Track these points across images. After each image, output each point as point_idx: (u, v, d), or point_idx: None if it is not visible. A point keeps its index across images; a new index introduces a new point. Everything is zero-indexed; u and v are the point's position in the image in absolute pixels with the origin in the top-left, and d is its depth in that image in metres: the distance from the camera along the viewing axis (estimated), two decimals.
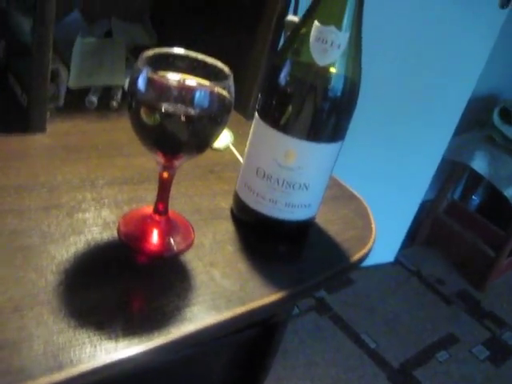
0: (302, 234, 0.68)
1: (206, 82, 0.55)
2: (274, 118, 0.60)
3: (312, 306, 2.02)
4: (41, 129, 0.74)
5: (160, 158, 0.55)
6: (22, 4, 0.76)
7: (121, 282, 0.55)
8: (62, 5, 0.99)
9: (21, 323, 0.48)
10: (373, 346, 1.93)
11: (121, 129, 0.80)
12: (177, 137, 0.53)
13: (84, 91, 0.86)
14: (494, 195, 2.38)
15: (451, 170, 2.35)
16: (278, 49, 0.63)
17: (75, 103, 0.83)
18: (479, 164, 2.20)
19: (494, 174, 2.18)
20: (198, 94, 0.51)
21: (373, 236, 0.72)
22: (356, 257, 0.67)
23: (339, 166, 0.68)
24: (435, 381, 1.87)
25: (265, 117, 0.61)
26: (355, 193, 0.80)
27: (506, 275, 2.43)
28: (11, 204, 0.61)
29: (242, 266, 0.61)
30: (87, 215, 0.62)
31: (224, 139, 0.83)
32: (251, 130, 0.64)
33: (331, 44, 0.56)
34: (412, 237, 2.41)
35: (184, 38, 1.01)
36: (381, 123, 1.76)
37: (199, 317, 0.53)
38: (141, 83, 0.51)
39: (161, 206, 0.60)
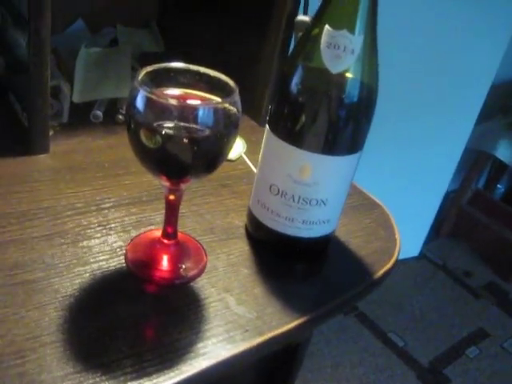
0: (322, 250, 0.64)
1: (209, 97, 0.51)
2: (286, 130, 0.56)
3: None
4: (43, 149, 0.71)
5: (165, 182, 0.51)
6: (17, 20, 0.72)
7: (130, 316, 0.51)
8: (65, 15, 0.97)
9: (22, 369, 0.44)
10: (401, 344, 1.88)
11: (128, 144, 0.75)
12: (181, 159, 0.49)
13: (89, 105, 0.82)
14: None
15: (475, 160, 2.28)
16: (288, 55, 0.59)
17: (80, 118, 0.80)
18: (503, 152, 2.14)
19: None
20: (201, 113, 0.47)
21: (397, 248, 0.68)
22: (380, 272, 0.63)
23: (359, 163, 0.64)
24: (466, 378, 1.82)
25: (276, 129, 0.57)
26: (377, 200, 0.76)
27: None
28: (13, 234, 0.58)
29: (258, 290, 0.57)
30: (93, 242, 0.58)
31: (236, 149, 0.79)
32: (262, 143, 0.60)
33: (344, 49, 0.51)
34: (436, 229, 2.36)
35: (192, 43, 0.98)
36: (401, 115, 1.71)
37: (214, 352, 0.49)
38: (139, 103, 0.47)
39: (169, 230, 0.57)
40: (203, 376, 0.47)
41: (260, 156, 0.60)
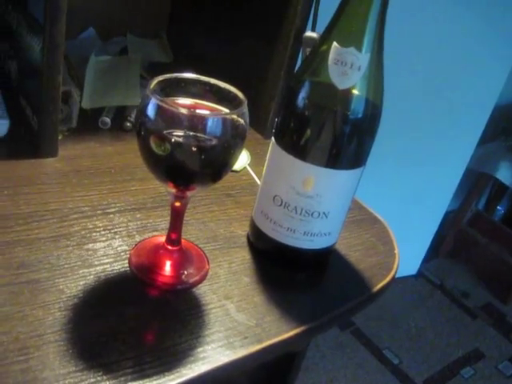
0: (322, 262, 0.65)
1: (218, 108, 0.52)
2: (292, 143, 0.57)
3: None
4: (52, 153, 0.72)
5: (171, 189, 0.53)
6: (32, 25, 0.74)
7: (131, 319, 0.52)
8: (77, 22, 0.98)
9: (25, 365, 0.45)
10: (396, 361, 1.89)
11: (135, 151, 0.76)
12: (189, 167, 0.50)
13: (97, 111, 0.84)
14: None
15: (475, 180, 2.29)
16: (296, 70, 0.60)
17: (88, 124, 0.81)
18: (504, 174, 2.15)
19: None
20: (210, 123, 0.48)
21: (396, 263, 0.69)
22: (379, 286, 0.64)
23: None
24: None
25: (281, 142, 0.58)
26: (377, 215, 0.77)
27: None
28: (20, 234, 0.59)
29: (258, 298, 0.58)
30: (98, 245, 0.60)
31: (241, 160, 0.80)
32: (267, 155, 0.61)
33: (351, 66, 0.53)
34: (435, 249, 2.36)
35: (200, 55, 1.00)
36: (404, 134, 1.73)
37: (213, 357, 0.50)
38: (150, 111, 0.48)
39: (173, 236, 0.58)
40: (202, 380, 0.48)
41: (265, 167, 0.62)
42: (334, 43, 0.53)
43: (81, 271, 0.56)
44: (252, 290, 0.59)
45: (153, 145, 0.48)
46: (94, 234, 0.61)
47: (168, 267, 0.58)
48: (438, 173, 1.94)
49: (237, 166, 0.79)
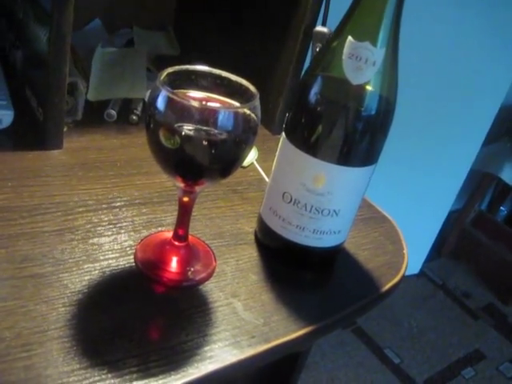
0: (330, 261, 0.64)
1: (230, 102, 0.51)
2: (303, 139, 0.56)
3: None
4: (57, 145, 0.71)
5: (180, 183, 0.51)
6: (38, 14, 0.73)
7: (137, 316, 0.51)
8: (83, 13, 0.97)
9: (29, 362, 0.44)
10: (397, 361, 1.88)
11: (140, 144, 0.76)
12: (198, 161, 0.49)
13: (103, 104, 0.82)
14: None
15: (479, 181, 2.28)
16: (308, 65, 0.59)
17: (94, 116, 0.80)
18: (508, 174, 2.14)
19: None
20: (221, 116, 0.47)
21: (405, 263, 0.68)
22: (387, 286, 0.63)
23: None
24: None
25: (292, 138, 0.57)
26: (386, 214, 0.76)
27: None
28: (24, 227, 0.58)
29: (265, 297, 0.57)
30: (103, 240, 0.58)
31: (248, 156, 0.79)
32: (277, 151, 0.60)
33: (366, 61, 0.51)
34: (438, 248, 2.35)
35: (208, 48, 0.98)
36: (408, 133, 1.71)
37: (220, 356, 0.49)
38: (160, 103, 0.47)
39: (181, 232, 0.57)
40: (209, 380, 0.47)
41: (274, 163, 0.60)
42: (349, 37, 0.52)
43: (86, 266, 0.55)
44: (259, 288, 0.57)
45: (162, 138, 0.47)
46: (100, 228, 0.60)
47: (174, 263, 0.57)
48: (442, 173, 1.93)
49: (244, 162, 0.78)
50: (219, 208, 0.68)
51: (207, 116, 0.47)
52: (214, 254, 0.60)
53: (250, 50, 0.91)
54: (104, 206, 0.63)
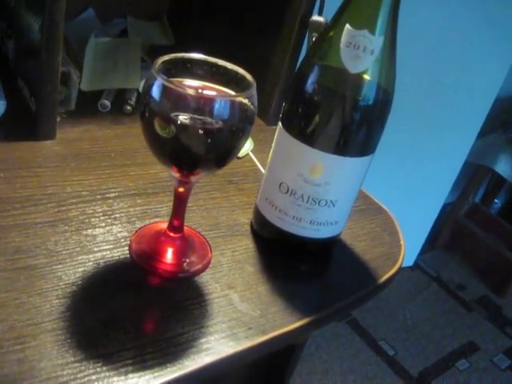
0: (327, 252, 0.64)
1: (226, 91, 0.50)
2: (300, 129, 0.55)
3: None
4: (50, 135, 0.70)
5: (175, 173, 0.51)
6: (31, 2, 0.71)
7: (132, 308, 0.50)
8: (76, 2, 0.96)
9: (22, 355, 0.44)
10: (391, 353, 1.88)
11: (135, 135, 0.75)
12: (194, 151, 0.48)
13: (97, 94, 0.81)
14: None
15: (474, 173, 2.28)
16: (305, 54, 0.58)
17: (87, 107, 0.79)
18: (503, 167, 2.14)
19: None
20: (217, 105, 0.46)
21: (402, 254, 0.67)
22: (385, 277, 0.63)
23: None
24: None
25: (289, 127, 0.56)
26: (382, 205, 0.75)
27: None
28: (16, 218, 0.57)
29: (262, 288, 0.56)
30: (97, 231, 0.58)
31: (243, 146, 0.78)
32: (274, 141, 0.59)
33: (364, 50, 0.51)
34: (432, 241, 2.35)
35: (202, 37, 0.97)
36: (403, 125, 1.70)
37: (216, 348, 0.48)
38: (155, 92, 0.46)
39: (176, 223, 0.56)
40: (205, 372, 0.47)
41: (271, 153, 0.60)
42: (347, 25, 0.51)
43: (79, 257, 0.54)
44: (256, 280, 0.57)
45: (157, 127, 0.46)
46: (93, 219, 0.59)
47: (170, 255, 0.56)
48: (436, 165, 1.93)
49: (239, 153, 0.77)
50: (215, 199, 0.68)
51: (203, 105, 0.46)
52: (209, 245, 0.59)
53: (244, 39, 0.90)
54: (98, 196, 0.63)
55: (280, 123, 0.57)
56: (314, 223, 0.58)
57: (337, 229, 0.61)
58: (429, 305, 2.14)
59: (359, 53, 0.51)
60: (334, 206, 0.57)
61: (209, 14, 0.98)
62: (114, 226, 0.59)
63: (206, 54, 0.52)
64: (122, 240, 0.57)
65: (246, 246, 0.61)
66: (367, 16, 0.51)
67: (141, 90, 0.84)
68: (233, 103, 0.47)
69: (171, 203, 0.56)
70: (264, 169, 0.73)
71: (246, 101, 0.48)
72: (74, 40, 0.86)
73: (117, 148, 0.72)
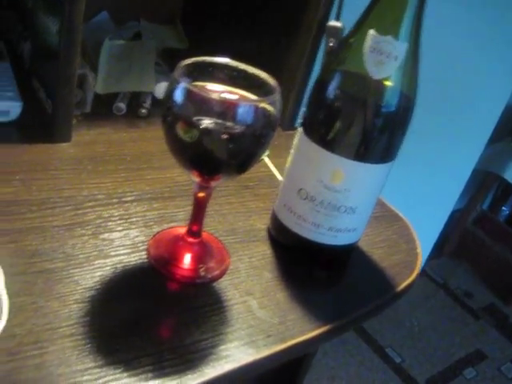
0: (345, 259, 0.63)
1: (249, 96, 0.50)
2: (321, 134, 0.55)
3: None
4: (66, 138, 0.69)
5: (196, 177, 0.50)
6: (48, 4, 0.71)
7: (150, 313, 0.50)
8: (90, 5, 0.95)
9: (40, 360, 0.43)
10: (398, 360, 1.87)
11: (150, 138, 0.75)
12: (216, 156, 0.48)
13: (112, 97, 0.81)
14: None
15: (482, 180, 2.27)
16: (326, 60, 0.58)
17: (102, 110, 0.79)
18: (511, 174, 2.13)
19: None
20: (241, 110, 0.46)
21: (419, 262, 0.67)
22: (402, 285, 0.62)
23: None
24: None
25: (310, 133, 0.55)
26: (399, 212, 0.75)
27: None
28: (33, 221, 0.56)
29: (280, 295, 0.55)
30: (114, 235, 0.57)
31: None
32: (293, 146, 0.58)
33: (388, 56, 0.50)
34: (439, 248, 2.34)
35: (216, 41, 0.97)
36: (412, 132, 1.70)
37: (236, 355, 0.48)
38: (178, 95, 0.46)
39: (195, 228, 0.55)
40: (225, 379, 0.46)
41: (290, 159, 0.59)
42: (371, 31, 0.50)
43: (97, 262, 0.53)
44: (274, 287, 0.56)
45: (180, 131, 0.46)
46: (110, 223, 0.59)
47: (188, 260, 0.56)
48: (445, 172, 1.91)
49: None
50: (231, 204, 0.67)
51: (226, 109, 0.46)
52: (227, 250, 0.59)
53: (260, 44, 0.89)
54: (114, 200, 0.62)
55: (301, 129, 0.57)
56: (332, 230, 0.58)
57: (355, 236, 0.60)
58: (436, 312, 2.13)
59: (383, 59, 0.50)
60: (353, 212, 0.57)
61: (223, 18, 0.98)
62: (131, 230, 0.58)
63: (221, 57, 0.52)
64: (140, 244, 0.57)
65: (264, 252, 0.61)
66: (392, 22, 0.51)
67: (155, 93, 0.83)
68: (256, 108, 0.46)
69: (188, 208, 0.55)
70: (279, 174, 0.72)
71: (269, 106, 0.47)
72: (88, 42, 0.85)
73: (132, 151, 0.72)
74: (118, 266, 0.54)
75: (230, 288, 0.54)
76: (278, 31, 0.87)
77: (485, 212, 2.52)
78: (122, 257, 0.55)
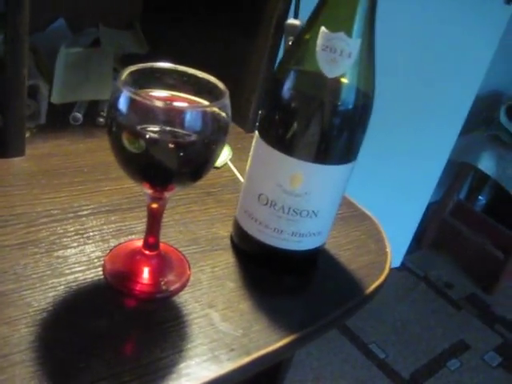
0: (311, 264, 0.61)
1: (197, 101, 0.48)
2: (277, 137, 0.53)
3: None
4: (19, 152, 0.67)
5: (147, 189, 0.48)
6: None
7: (107, 334, 0.47)
8: (45, 12, 0.93)
9: None
10: (382, 356, 1.86)
11: (109, 148, 0.72)
12: (166, 166, 0.46)
13: (68, 106, 0.78)
14: (500, 195, 2.31)
15: (457, 171, 2.27)
16: (280, 59, 0.56)
17: (58, 120, 0.76)
18: (486, 164, 2.13)
19: (502, 173, 2.11)
20: (188, 116, 0.44)
21: (388, 261, 0.65)
22: (372, 287, 0.61)
23: None
24: None
25: (266, 136, 0.54)
26: (366, 211, 0.73)
27: None
28: None
29: (244, 305, 0.53)
30: (69, 252, 0.55)
31: (221, 156, 0.76)
32: (251, 151, 0.57)
33: (341, 53, 0.48)
34: (418, 240, 2.34)
35: (177, 45, 0.95)
36: (384, 125, 1.69)
37: (197, 373, 0.46)
38: (122, 105, 0.43)
39: (151, 240, 0.53)
40: None
41: (248, 164, 0.57)
42: (322, 28, 0.49)
43: (50, 281, 0.51)
44: (237, 297, 0.54)
45: (125, 142, 0.44)
46: (65, 239, 0.56)
47: (146, 274, 0.54)
48: (420, 164, 1.91)
49: (217, 162, 0.75)
50: (192, 212, 0.65)
51: (173, 117, 0.44)
52: (188, 261, 0.57)
53: (220, 45, 0.87)
54: (70, 215, 0.60)
55: (257, 132, 0.55)
56: (295, 235, 0.56)
57: (320, 239, 0.59)
58: (418, 305, 2.13)
59: (336, 56, 0.48)
60: (316, 216, 0.55)
61: (183, 22, 0.96)
62: (87, 246, 0.56)
63: (181, 61, 0.50)
64: (96, 260, 0.55)
65: (227, 261, 0.59)
66: (343, 18, 0.49)
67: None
68: (205, 114, 0.44)
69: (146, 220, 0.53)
70: (243, 178, 0.70)
71: (218, 110, 0.45)
72: (44, 51, 0.83)
73: (90, 162, 0.70)
74: (73, 284, 0.51)
75: (191, 301, 0.52)
76: (237, 32, 0.85)
77: (461, 202, 2.53)
78: (77, 274, 0.52)
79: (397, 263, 2.24)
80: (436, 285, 2.26)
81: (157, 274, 0.54)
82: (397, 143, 1.78)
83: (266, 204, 0.55)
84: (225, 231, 0.63)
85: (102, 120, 0.78)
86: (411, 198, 2.01)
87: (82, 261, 0.54)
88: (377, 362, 1.84)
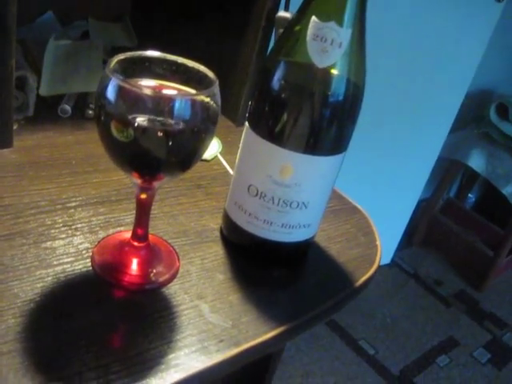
0: (301, 256, 0.61)
1: (187, 90, 0.47)
2: (267, 128, 0.52)
3: None
4: (6, 144, 0.66)
5: (136, 179, 0.48)
6: None
7: (95, 324, 0.47)
8: (34, 5, 0.92)
9: None
10: (372, 352, 1.87)
11: (97, 140, 0.70)
12: (154, 155, 0.45)
13: (57, 99, 0.78)
14: (490, 193, 2.32)
15: (447, 168, 2.28)
16: (270, 49, 0.55)
17: (47, 112, 0.76)
18: (476, 162, 2.14)
19: (492, 171, 2.12)
20: (177, 105, 0.43)
21: (378, 255, 0.65)
22: (362, 280, 0.61)
23: None
24: None
25: (256, 127, 0.53)
26: (357, 205, 0.73)
27: (505, 275, 2.38)
28: None
29: (233, 297, 0.53)
30: (57, 243, 0.54)
31: (211, 149, 0.75)
32: (241, 142, 0.56)
33: (331, 42, 0.48)
34: (408, 238, 2.35)
35: (166, 38, 0.94)
36: (375, 122, 1.69)
37: (186, 363, 0.45)
38: (110, 93, 0.43)
39: (140, 232, 0.53)
40: None
41: (238, 155, 0.57)
42: (313, 17, 0.48)
43: (38, 272, 0.50)
44: (227, 288, 0.54)
45: (114, 131, 0.43)
46: (53, 230, 0.56)
47: (135, 265, 0.53)
48: (410, 161, 1.92)
49: (207, 155, 0.74)
50: (182, 204, 0.65)
51: (162, 105, 0.43)
52: (177, 253, 0.56)
53: (210, 38, 0.87)
54: (58, 206, 0.59)
55: (247, 123, 0.55)
56: (285, 226, 0.56)
57: (310, 231, 0.58)
58: (407, 302, 2.13)
59: (327, 46, 0.48)
60: (306, 207, 0.55)
61: (173, 14, 0.95)
62: (75, 237, 0.56)
63: (170, 54, 0.49)
64: (84, 252, 0.54)
65: (216, 252, 0.58)
66: (334, 7, 0.49)
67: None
68: (194, 102, 0.44)
69: (135, 211, 0.53)
70: (233, 171, 0.70)
71: (207, 99, 0.45)
72: (33, 44, 0.82)
73: (78, 154, 0.69)
74: (61, 275, 0.51)
75: (180, 292, 0.52)
76: (228, 24, 0.84)
77: (451, 200, 2.54)
78: (65, 266, 0.52)
79: (387, 260, 2.24)
80: (426, 282, 2.27)
81: (146, 265, 0.54)
82: (386, 140, 1.78)
83: (256, 195, 0.55)
84: (214, 223, 0.62)
85: (91, 112, 0.77)
86: (401, 196, 2.01)
87: (70, 252, 0.54)
88: (366, 358, 1.84)
